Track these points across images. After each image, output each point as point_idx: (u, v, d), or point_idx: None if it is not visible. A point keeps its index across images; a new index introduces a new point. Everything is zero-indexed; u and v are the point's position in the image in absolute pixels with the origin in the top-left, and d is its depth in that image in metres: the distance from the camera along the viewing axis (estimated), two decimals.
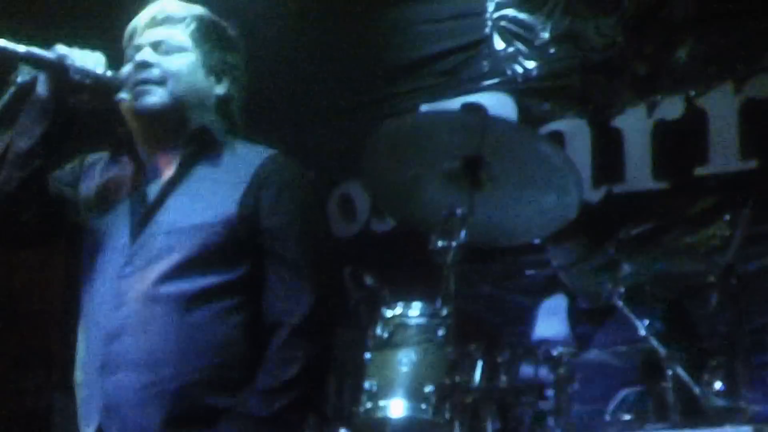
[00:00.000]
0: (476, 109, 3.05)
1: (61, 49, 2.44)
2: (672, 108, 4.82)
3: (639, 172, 4.83)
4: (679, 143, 4.79)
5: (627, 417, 3.68)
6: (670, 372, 3.47)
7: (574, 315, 4.23)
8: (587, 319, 4.20)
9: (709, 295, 3.55)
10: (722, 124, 4.68)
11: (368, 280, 3.88)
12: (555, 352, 3.55)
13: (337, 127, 5.60)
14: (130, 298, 2.40)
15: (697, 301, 3.92)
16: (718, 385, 3.40)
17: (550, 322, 4.25)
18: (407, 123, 3.02)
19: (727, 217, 3.86)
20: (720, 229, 3.82)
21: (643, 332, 3.56)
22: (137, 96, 2.49)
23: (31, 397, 5.50)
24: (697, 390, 3.39)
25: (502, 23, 5.35)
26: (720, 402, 3.35)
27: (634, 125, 4.89)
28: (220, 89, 2.60)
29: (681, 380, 3.43)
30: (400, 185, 3.25)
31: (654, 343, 3.52)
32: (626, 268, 3.82)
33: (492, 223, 3.24)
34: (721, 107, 4.69)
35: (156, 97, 2.49)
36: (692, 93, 4.78)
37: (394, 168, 3.13)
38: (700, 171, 4.69)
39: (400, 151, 3.07)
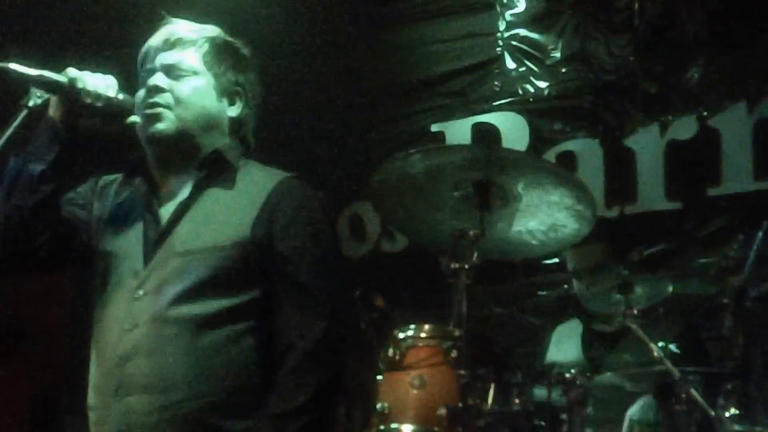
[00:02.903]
0: (485, 140, 3.02)
1: (72, 72, 2.43)
2: (685, 128, 4.81)
3: (652, 192, 4.82)
4: (692, 163, 4.77)
5: None
6: (684, 395, 3.43)
7: (588, 338, 4.20)
8: (601, 342, 4.17)
9: (722, 317, 3.51)
10: (735, 144, 4.66)
11: (379, 302, 3.85)
12: (568, 375, 3.52)
13: (347, 147, 5.60)
14: (143, 320, 2.39)
15: (711, 323, 3.90)
16: (732, 408, 3.37)
17: (563, 345, 4.22)
18: (415, 159, 3.02)
19: (741, 238, 3.83)
20: (733, 250, 3.79)
21: (656, 354, 3.53)
22: (148, 122, 2.48)
23: (41, 420, 5.48)
24: (712, 413, 3.35)
25: (514, 43, 5.35)
26: (735, 426, 3.31)
27: (647, 145, 4.88)
28: (232, 111, 2.60)
29: (695, 403, 3.40)
30: (411, 208, 3.24)
31: (668, 365, 3.48)
32: (639, 289, 3.79)
33: (505, 239, 3.23)
34: (734, 127, 4.68)
35: (167, 123, 2.48)
36: (705, 113, 4.77)
37: (404, 195, 3.12)
38: (713, 191, 4.68)
39: (409, 184, 3.07)
